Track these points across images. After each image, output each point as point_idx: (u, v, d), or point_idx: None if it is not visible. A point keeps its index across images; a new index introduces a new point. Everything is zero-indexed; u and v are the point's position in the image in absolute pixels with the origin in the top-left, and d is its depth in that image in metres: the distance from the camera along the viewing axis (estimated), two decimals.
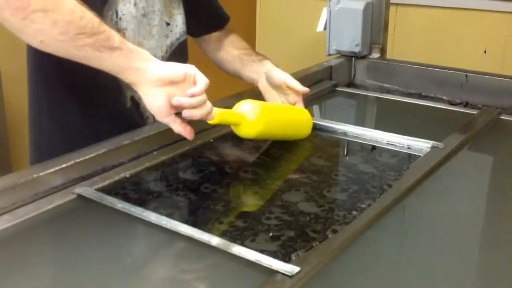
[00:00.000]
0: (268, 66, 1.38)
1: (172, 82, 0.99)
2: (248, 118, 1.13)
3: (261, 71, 1.38)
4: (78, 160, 1.05)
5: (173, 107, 0.99)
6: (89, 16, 0.93)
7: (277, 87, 1.36)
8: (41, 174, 1.00)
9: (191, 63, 1.37)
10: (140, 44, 1.21)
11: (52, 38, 0.90)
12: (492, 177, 1.22)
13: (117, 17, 1.16)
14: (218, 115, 1.06)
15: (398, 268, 0.88)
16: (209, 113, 1.03)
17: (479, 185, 1.17)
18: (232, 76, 1.46)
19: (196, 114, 1.00)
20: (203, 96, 1.01)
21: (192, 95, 0.99)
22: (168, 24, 1.28)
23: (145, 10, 1.21)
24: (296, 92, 1.35)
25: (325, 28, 1.88)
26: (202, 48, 1.48)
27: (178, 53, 1.33)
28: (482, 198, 1.13)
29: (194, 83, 1.01)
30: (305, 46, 2.65)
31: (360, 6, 1.78)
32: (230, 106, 1.15)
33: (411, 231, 0.99)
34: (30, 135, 1.29)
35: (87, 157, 1.06)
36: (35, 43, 0.92)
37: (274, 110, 1.23)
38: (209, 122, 1.06)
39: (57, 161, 1.05)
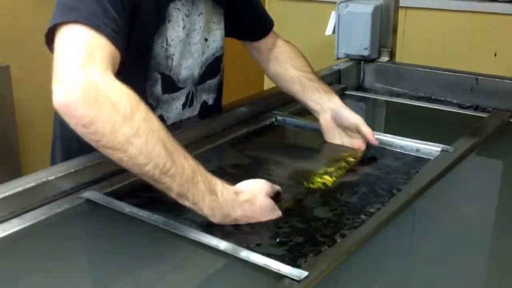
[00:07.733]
0: (336, 104, 1.30)
1: None
2: None
3: (326, 106, 1.30)
4: (87, 165, 1.05)
5: None
6: (154, 164, 0.89)
7: (344, 127, 1.28)
8: (50, 178, 1.00)
9: (226, 75, 1.32)
10: (179, 65, 1.19)
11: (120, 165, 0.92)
12: (503, 180, 1.21)
13: (167, 44, 1.14)
14: None
15: (407, 272, 0.88)
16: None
17: (489, 188, 1.16)
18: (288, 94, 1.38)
19: None
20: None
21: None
22: (206, 39, 1.24)
23: (189, 31, 1.19)
24: (364, 139, 1.26)
25: (333, 32, 1.87)
26: (254, 58, 1.41)
27: (210, 70, 1.28)
28: (492, 202, 1.12)
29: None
30: (314, 49, 2.65)
31: (369, 9, 1.78)
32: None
33: (420, 235, 0.98)
34: (54, 152, 1.26)
35: (96, 162, 1.06)
36: None
37: None
38: None
39: (66, 165, 1.05)
